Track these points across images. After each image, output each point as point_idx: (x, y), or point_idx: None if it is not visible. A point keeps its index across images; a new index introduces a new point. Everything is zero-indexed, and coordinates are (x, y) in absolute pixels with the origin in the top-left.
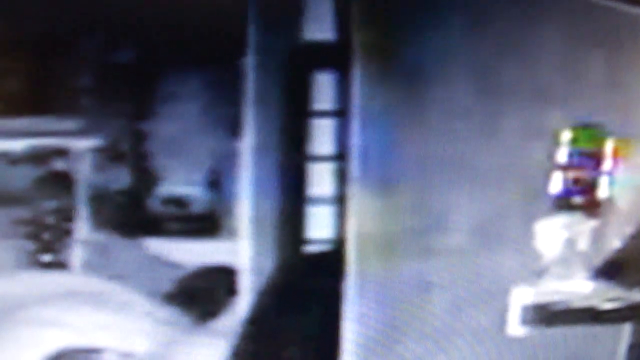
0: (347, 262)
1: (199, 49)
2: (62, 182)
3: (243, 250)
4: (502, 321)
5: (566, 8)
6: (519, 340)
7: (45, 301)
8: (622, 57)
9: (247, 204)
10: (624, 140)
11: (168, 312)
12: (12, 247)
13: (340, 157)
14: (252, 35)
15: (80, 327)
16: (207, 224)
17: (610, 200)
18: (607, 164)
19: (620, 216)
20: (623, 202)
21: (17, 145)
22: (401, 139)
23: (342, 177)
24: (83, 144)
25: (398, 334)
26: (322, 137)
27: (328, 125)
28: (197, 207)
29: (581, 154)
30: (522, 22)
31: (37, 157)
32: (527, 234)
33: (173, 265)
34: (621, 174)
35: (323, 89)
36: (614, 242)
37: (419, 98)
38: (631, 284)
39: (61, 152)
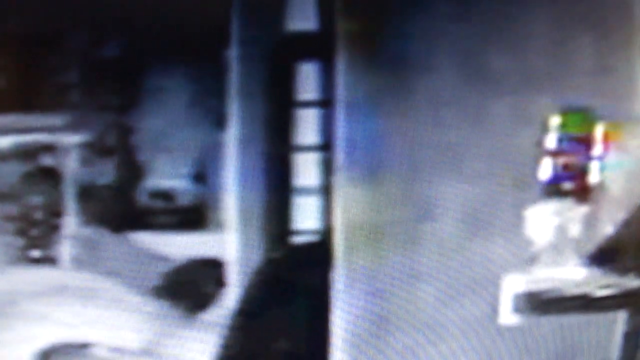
0: (335, 253)
1: (182, 42)
2: (50, 178)
3: (230, 243)
4: (493, 310)
5: None
6: (511, 329)
7: (36, 296)
8: (610, 40)
9: (233, 196)
10: (614, 124)
11: (157, 306)
12: (0, 243)
13: (326, 147)
14: (235, 27)
15: (71, 322)
16: (194, 216)
17: (601, 186)
18: (597, 149)
19: (612, 201)
20: (615, 186)
21: (4, 141)
22: (387, 128)
23: (328, 167)
24: (70, 140)
25: (388, 324)
26: (307, 127)
27: (313, 116)
28: (184, 200)
29: (571, 139)
30: (508, 7)
31: (24, 153)
32: (518, 221)
33: (161, 259)
34: (612, 158)
35: (307, 80)
36: (607, 228)
37: (405, 86)
38: (625, 271)
39: (48, 148)
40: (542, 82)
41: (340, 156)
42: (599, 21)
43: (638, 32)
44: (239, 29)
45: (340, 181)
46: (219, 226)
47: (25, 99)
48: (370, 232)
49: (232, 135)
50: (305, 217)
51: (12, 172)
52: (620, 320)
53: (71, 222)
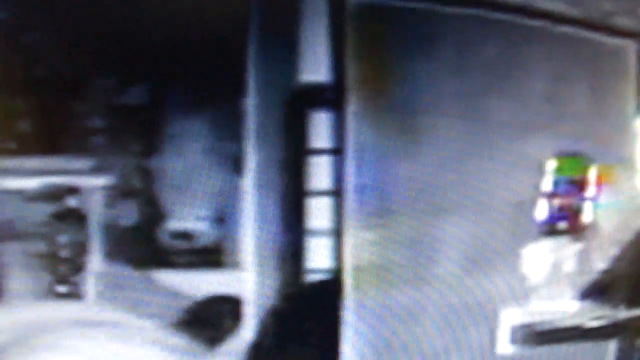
0: (344, 290)
1: (202, 90)
2: (75, 218)
3: (247, 281)
4: (492, 341)
5: (548, 41)
6: (508, 358)
7: (61, 330)
8: (604, 87)
9: (250, 238)
10: (606, 167)
11: (178, 340)
12: (29, 278)
13: (337, 192)
14: (251, 77)
15: (95, 354)
16: (213, 256)
17: (594, 224)
18: (590, 190)
19: (605, 239)
20: (607, 225)
21: (32, 183)
22: (394, 173)
23: (339, 211)
24: (94, 182)
25: (395, 356)
26: (320, 173)
27: (325, 162)
28: (203, 241)
29: (565, 182)
30: (508, 55)
31: (50, 194)
32: (515, 259)
33: (182, 296)
34: (604, 198)
35: (320, 127)
36: (599, 264)
37: (411, 131)
38: (616, 303)
39: (73, 190)
40: (540, 127)
41: (350, 201)
42: (594, 69)
43: (630, 79)
44: (256, 78)
45: (350, 224)
46: (236, 265)
47: (52, 142)
48: (377, 271)
49: (249, 180)
50: (318, 257)
51: (40, 212)
52: (611, 349)
53: (96, 260)
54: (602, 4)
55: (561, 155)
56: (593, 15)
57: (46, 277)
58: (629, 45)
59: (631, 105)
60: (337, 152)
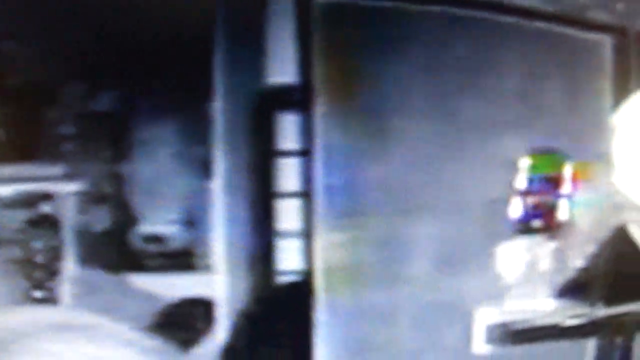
0: (316, 292)
1: (170, 95)
2: (50, 224)
3: (219, 283)
4: (468, 340)
5: (522, 37)
6: (484, 358)
7: (39, 334)
8: (579, 83)
9: (220, 240)
10: (582, 164)
11: (152, 342)
12: (6, 284)
13: (307, 194)
14: (218, 81)
15: (72, 357)
16: (185, 259)
17: (570, 222)
18: (566, 188)
19: (581, 236)
20: (583, 222)
21: (6, 190)
22: (364, 173)
23: (309, 213)
24: (67, 188)
25: (368, 356)
26: (289, 175)
27: (294, 164)
28: (174, 244)
29: (540, 180)
30: (480, 53)
31: (24, 201)
32: (490, 258)
33: (155, 298)
34: (580, 196)
35: (288, 130)
36: (576, 262)
37: (380, 132)
38: (594, 301)
39: (47, 196)
40: (513, 125)
41: (319, 202)
42: (568, 65)
43: (605, 75)
44: (223, 82)
45: (320, 225)
46: (207, 268)
47: (24, 150)
48: (349, 272)
49: (218, 183)
50: (288, 259)
51: (14, 219)
52: (590, 347)
53: (70, 265)
54: None
55: (535, 153)
56: (568, 9)
57: (22, 283)
58: (605, 39)
59: (607, 101)
60: (305, 153)
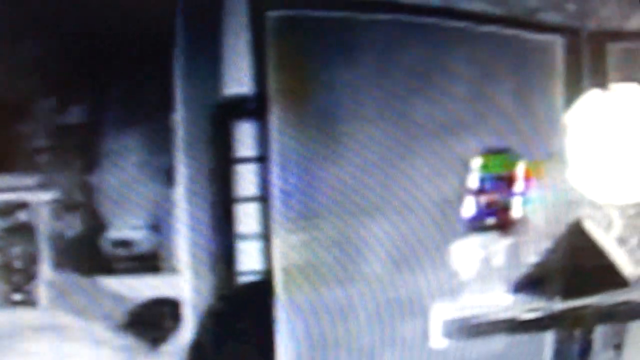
0: (275, 290)
1: (134, 107)
2: (26, 231)
3: (184, 284)
4: (425, 335)
5: (472, 40)
6: (441, 352)
7: (18, 335)
8: (530, 83)
9: (184, 244)
10: (534, 162)
11: (123, 340)
12: None
13: (264, 198)
14: (178, 92)
15: (49, 356)
16: (151, 262)
17: (524, 219)
18: (519, 186)
19: (536, 232)
20: (538, 219)
21: None
22: (319, 176)
23: (266, 216)
24: (41, 197)
25: (328, 351)
26: (247, 180)
27: (251, 170)
28: (141, 248)
29: (493, 179)
30: (430, 58)
31: (2, 210)
32: (444, 255)
33: (125, 299)
34: (533, 193)
35: (244, 137)
36: (531, 257)
37: (334, 137)
38: (551, 295)
39: (23, 205)
40: (464, 126)
41: (276, 205)
42: (520, 65)
43: (557, 74)
44: (182, 93)
45: (278, 228)
46: (173, 270)
47: (1, 162)
48: (306, 271)
49: (180, 190)
50: (249, 260)
51: None
52: (549, 340)
53: (46, 269)
54: (526, 0)
55: (487, 153)
56: (517, 12)
57: (1, 286)
58: (556, 40)
59: (559, 100)
60: (262, 159)
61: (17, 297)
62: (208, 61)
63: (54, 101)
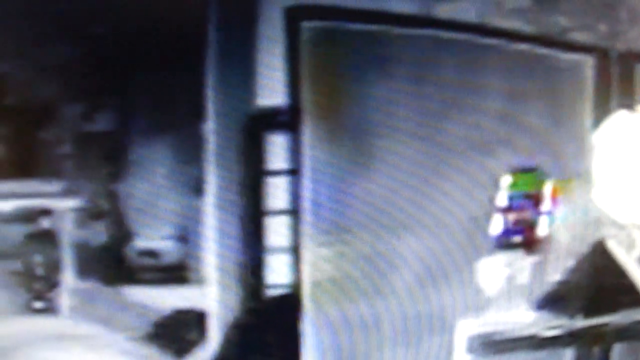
0: (303, 304)
1: (163, 116)
2: (49, 238)
3: (210, 296)
4: (449, 350)
5: (504, 58)
6: None
7: (39, 343)
8: (559, 102)
9: (212, 255)
10: (561, 181)
11: (147, 351)
12: (6, 295)
13: (295, 211)
14: (210, 102)
15: None
16: (178, 273)
17: (549, 237)
18: (546, 204)
19: (560, 251)
20: (562, 237)
21: (7, 206)
22: (350, 190)
23: (296, 229)
24: (65, 204)
25: None
26: (278, 193)
27: (282, 182)
28: (168, 259)
29: (521, 197)
30: (464, 74)
31: (25, 216)
32: (471, 272)
33: (150, 310)
34: (559, 212)
35: (276, 149)
36: (555, 275)
37: (366, 151)
38: (572, 313)
39: (46, 212)
40: (495, 144)
41: (307, 219)
42: (550, 84)
43: (587, 94)
44: (214, 103)
45: (307, 241)
46: (200, 281)
47: (25, 167)
48: (335, 285)
49: (209, 201)
50: (277, 273)
51: (15, 233)
52: (569, 356)
53: (69, 277)
54: (558, 20)
55: (516, 171)
56: (549, 31)
57: (23, 294)
58: (586, 60)
59: (588, 120)
60: (293, 172)
61: (38, 305)
62: (241, 71)
63: (81, 107)
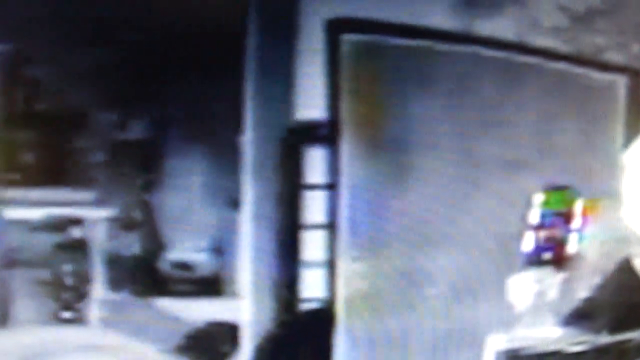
0: (337, 319)
1: (200, 126)
2: (79, 248)
3: (244, 309)
4: None
5: (542, 77)
6: None
7: (66, 353)
8: (592, 122)
9: (247, 268)
10: (592, 200)
11: None
12: (35, 305)
13: (331, 225)
14: (249, 114)
15: None
16: (212, 285)
17: (578, 255)
18: (576, 222)
19: (589, 268)
20: (591, 255)
21: (36, 214)
22: (386, 206)
23: (332, 244)
24: (97, 214)
25: None
26: (314, 207)
27: (319, 197)
28: (202, 271)
29: (552, 215)
30: (501, 92)
31: (55, 225)
32: (502, 288)
33: (182, 322)
34: (589, 230)
35: (314, 163)
36: (582, 292)
37: (403, 167)
38: (598, 329)
39: (77, 221)
40: (529, 162)
41: (343, 234)
42: (584, 104)
43: (619, 113)
44: (253, 115)
45: (343, 255)
46: (233, 294)
47: (56, 175)
48: (368, 300)
49: (245, 213)
50: (311, 287)
51: (44, 242)
52: None
53: (99, 288)
54: (594, 39)
55: (548, 189)
56: (585, 50)
57: (51, 304)
58: (619, 79)
59: (619, 140)
60: (331, 187)
61: (66, 315)
62: (281, 83)
63: (114, 115)
